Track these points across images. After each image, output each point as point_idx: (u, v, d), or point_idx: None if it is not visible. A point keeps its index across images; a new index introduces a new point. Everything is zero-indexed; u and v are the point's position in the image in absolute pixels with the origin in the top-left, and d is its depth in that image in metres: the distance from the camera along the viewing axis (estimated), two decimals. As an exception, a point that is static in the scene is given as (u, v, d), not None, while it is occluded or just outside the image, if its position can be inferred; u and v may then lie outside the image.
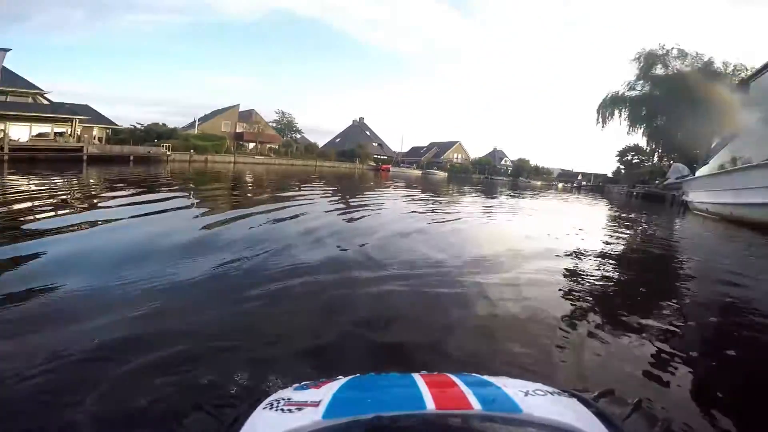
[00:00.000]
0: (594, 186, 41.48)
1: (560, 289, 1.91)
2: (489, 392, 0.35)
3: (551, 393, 0.36)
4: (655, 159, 25.19)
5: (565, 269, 2.37)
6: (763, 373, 1.14)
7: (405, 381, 0.38)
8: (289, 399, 0.37)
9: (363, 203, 4.86)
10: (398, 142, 66.72)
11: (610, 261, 2.80)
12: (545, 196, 11.47)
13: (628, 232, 4.95)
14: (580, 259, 2.60)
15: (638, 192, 21.23)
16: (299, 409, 0.34)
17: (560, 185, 40.98)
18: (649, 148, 25.20)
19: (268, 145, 35.49)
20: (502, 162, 57.11)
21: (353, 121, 52.73)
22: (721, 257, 3.27)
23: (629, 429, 0.36)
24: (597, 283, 2.11)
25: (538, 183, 40.89)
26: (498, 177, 44.78)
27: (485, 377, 0.40)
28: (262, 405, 0.37)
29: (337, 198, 5.26)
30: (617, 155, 32.07)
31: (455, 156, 56.46)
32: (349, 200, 5.11)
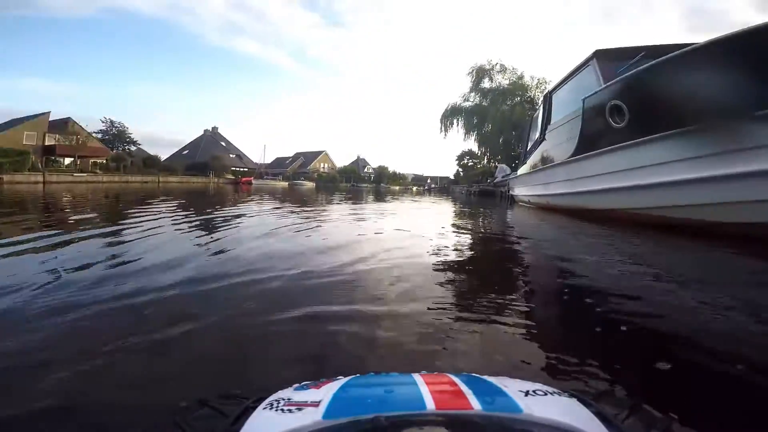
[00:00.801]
0: (441, 187, 47.12)
1: (427, 275, 1.97)
2: (489, 392, 0.35)
3: (551, 393, 0.37)
4: (485, 161, 29.97)
5: (431, 255, 2.50)
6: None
7: (405, 381, 0.38)
8: (289, 399, 0.37)
9: (219, 220, 4.30)
10: (260, 153, 63.31)
11: (466, 248, 3.09)
12: (404, 199, 12.42)
13: (472, 221, 5.62)
14: (441, 249, 2.77)
15: (475, 190, 24.93)
16: (299, 409, 0.34)
17: (414, 188, 45.20)
18: (480, 152, 29.88)
19: (93, 160, 29.35)
20: (365, 170, 59.98)
21: (205, 130, 47.67)
22: (545, 236, 3.97)
23: (629, 429, 0.37)
24: (461, 269, 2.24)
25: (396, 188, 44.23)
26: (362, 184, 46.78)
27: (485, 377, 0.40)
28: (262, 405, 0.37)
29: (187, 217, 4.53)
30: (456, 159, 37.21)
31: (322, 166, 56.72)
32: (202, 218, 4.46)
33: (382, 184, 49.85)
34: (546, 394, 0.36)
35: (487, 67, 26.36)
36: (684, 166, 3.61)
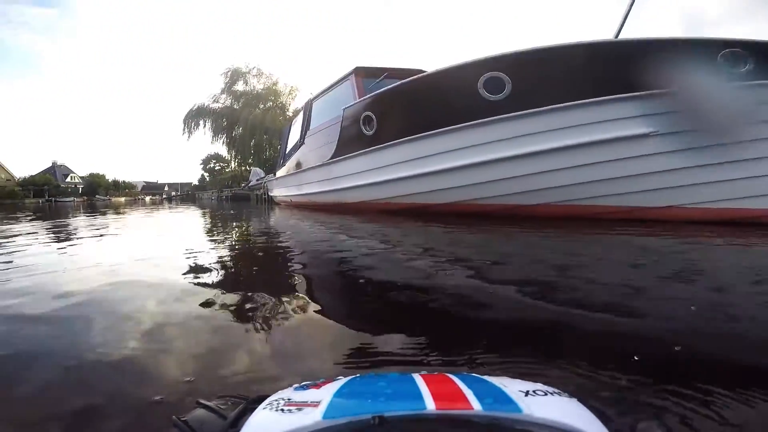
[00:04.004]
0: (185, 195, 42.06)
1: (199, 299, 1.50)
2: (489, 392, 0.35)
3: (552, 393, 0.37)
4: (234, 165, 28.97)
5: (199, 276, 1.91)
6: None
7: (405, 381, 0.39)
8: (289, 399, 0.36)
9: None
10: None
11: (238, 255, 2.80)
12: (138, 212, 10.04)
13: (237, 226, 5.46)
14: (209, 266, 2.16)
15: (227, 195, 23.78)
16: (299, 410, 0.33)
17: (148, 198, 38.41)
18: (230, 155, 28.57)
19: None
20: (68, 179, 45.39)
21: None
22: (304, 228, 4.36)
23: (630, 430, 0.37)
24: (236, 279, 1.98)
25: (122, 199, 36.23)
26: (66, 199, 35.30)
27: (485, 377, 0.40)
28: (262, 405, 0.37)
29: None
30: (201, 163, 34.15)
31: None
32: None
33: (98, 197, 39.41)
34: (546, 394, 0.37)
35: (244, 69, 25.62)
36: (411, 165, 4.88)
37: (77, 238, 3.92)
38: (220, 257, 2.58)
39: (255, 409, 0.37)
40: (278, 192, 11.08)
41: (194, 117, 25.38)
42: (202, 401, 0.44)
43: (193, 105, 25.81)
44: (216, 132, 25.25)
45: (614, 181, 3.70)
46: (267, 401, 0.38)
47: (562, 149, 3.75)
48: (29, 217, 7.81)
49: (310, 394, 0.37)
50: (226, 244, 3.46)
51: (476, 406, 0.32)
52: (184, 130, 25.45)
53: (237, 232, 4.56)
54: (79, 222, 6.36)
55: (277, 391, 0.40)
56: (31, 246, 3.22)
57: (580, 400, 0.37)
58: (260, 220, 6.39)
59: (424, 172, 4.70)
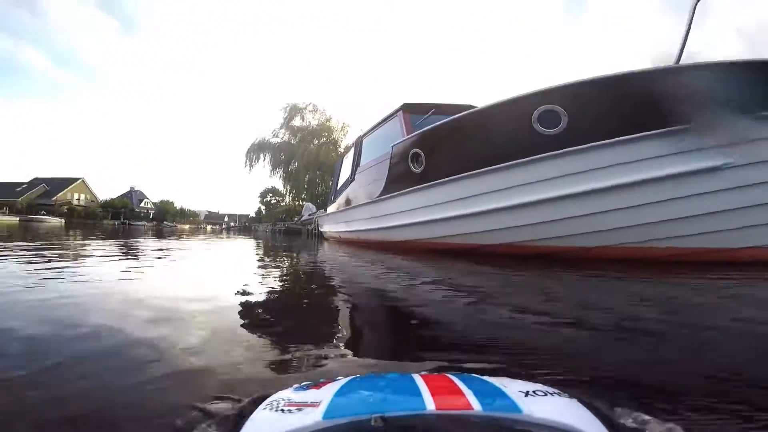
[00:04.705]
0: (242, 226, 44.53)
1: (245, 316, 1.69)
2: (489, 392, 0.35)
3: (552, 393, 0.37)
4: (289, 199, 30.35)
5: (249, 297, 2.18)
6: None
7: (405, 381, 0.38)
8: (289, 399, 0.37)
9: None
10: None
11: (290, 284, 2.95)
12: (201, 240, 10.85)
13: (289, 258, 5.49)
14: (265, 288, 2.48)
15: (280, 229, 24.73)
16: (299, 410, 0.34)
17: (209, 227, 41.03)
18: (285, 189, 30.06)
19: None
20: (142, 204, 50.19)
21: None
22: (353, 265, 4.24)
23: (629, 430, 0.36)
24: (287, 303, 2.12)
25: (186, 227, 39.02)
26: (138, 222, 38.76)
27: (485, 378, 0.40)
28: (262, 405, 0.37)
29: None
30: (259, 197, 36.21)
31: (76, 197, 44.03)
32: None
33: (166, 222, 42.84)
34: (546, 395, 0.36)
35: (301, 106, 27.49)
36: (461, 204, 4.67)
37: (152, 259, 4.13)
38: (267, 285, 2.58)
39: (255, 409, 0.37)
40: (328, 228, 11.26)
41: (256, 151, 27.18)
42: (203, 402, 0.44)
43: (255, 139, 27.80)
44: (274, 166, 26.77)
45: (687, 220, 3.29)
46: (267, 401, 0.38)
47: (626, 186, 3.39)
48: (104, 237, 8.65)
49: (310, 395, 0.37)
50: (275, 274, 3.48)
51: (476, 406, 0.32)
52: (246, 162, 27.34)
53: (285, 262, 4.64)
54: (150, 244, 6.86)
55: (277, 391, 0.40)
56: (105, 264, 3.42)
57: (580, 401, 0.37)
58: (306, 254, 6.46)
59: (475, 212, 4.46)
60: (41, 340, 1.17)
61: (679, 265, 3.28)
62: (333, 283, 2.88)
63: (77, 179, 44.93)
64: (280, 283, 2.84)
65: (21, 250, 4.03)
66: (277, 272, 3.52)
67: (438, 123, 4.90)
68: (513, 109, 3.99)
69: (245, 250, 7.75)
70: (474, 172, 4.39)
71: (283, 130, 27.45)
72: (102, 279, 2.51)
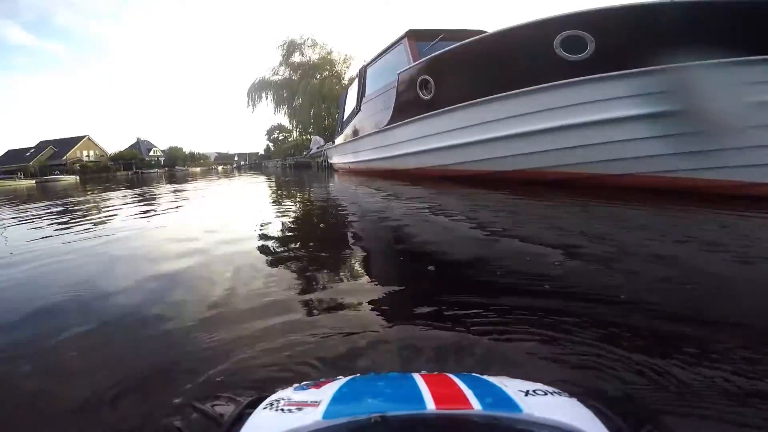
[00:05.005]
0: (252, 164, 44.61)
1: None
2: (489, 392, 0.35)
3: (552, 393, 0.37)
4: (296, 134, 29.81)
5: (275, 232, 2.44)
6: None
7: (405, 381, 0.38)
8: (289, 399, 0.37)
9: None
10: None
11: (308, 216, 3.12)
12: (213, 180, 11.04)
13: (302, 190, 5.66)
14: (286, 222, 2.71)
15: (290, 163, 24.74)
16: (299, 409, 0.34)
17: (221, 168, 41.28)
18: (291, 125, 29.37)
19: None
20: (151, 153, 50.24)
21: None
22: (363, 196, 4.34)
23: (630, 430, 0.37)
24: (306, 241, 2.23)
25: (198, 170, 39.30)
26: (150, 170, 39.22)
27: (485, 377, 0.40)
28: (262, 405, 0.37)
29: None
30: (266, 134, 35.69)
31: (85, 154, 44.31)
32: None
33: (177, 168, 43.16)
34: (546, 394, 0.37)
35: (299, 41, 25.74)
36: (474, 130, 4.57)
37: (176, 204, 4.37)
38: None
39: (255, 408, 0.37)
40: (336, 159, 11.24)
41: (257, 90, 26.14)
42: (197, 404, 0.44)
43: (255, 78, 26.55)
44: (278, 103, 25.87)
45: (722, 152, 3.12)
46: (267, 401, 0.38)
47: (654, 115, 3.18)
48: (128, 187, 9.00)
49: (310, 394, 0.37)
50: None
51: (476, 406, 0.32)
52: (248, 103, 26.46)
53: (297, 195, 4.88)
54: (168, 188, 7.12)
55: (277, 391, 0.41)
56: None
57: (580, 400, 0.37)
58: (317, 186, 6.62)
59: (490, 138, 4.37)
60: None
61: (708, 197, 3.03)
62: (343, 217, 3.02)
63: (82, 137, 44.68)
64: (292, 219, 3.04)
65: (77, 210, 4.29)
66: (291, 205, 3.69)
67: (450, 47, 4.64)
68: (533, 33, 3.70)
69: (259, 186, 8.00)
70: (488, 97, 4.22)
71: (282, 68, 26.12)
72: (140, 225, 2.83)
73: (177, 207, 4.51)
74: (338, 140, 10.44)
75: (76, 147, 43.48)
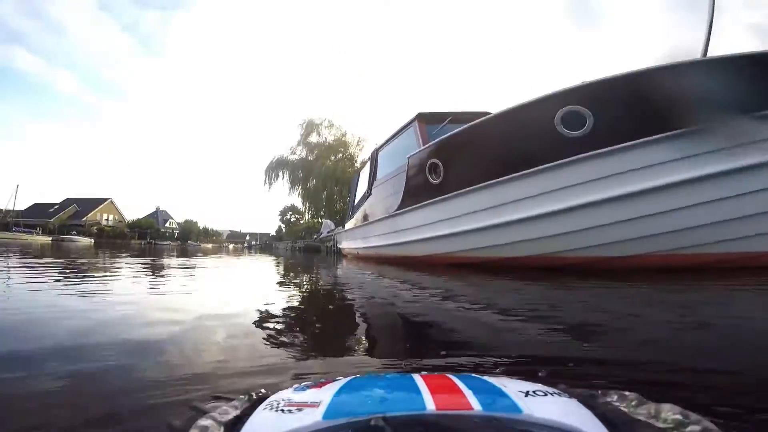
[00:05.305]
0: (263, 245, 45.11)
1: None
2: (489, 393, 0.35)
3: (552, 393, 0.37)
4: (308, 217, 30.43)
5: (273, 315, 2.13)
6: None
7: (405, 381, 0.38)
8: (289, 399, 0.37)
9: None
10: (10, 196, 44.45)
11: (309, 301, 2.87)
12: (223, 259, 10.96)
13: (308, 275, 5.43)
14: (287, 305, 2.41)
15: (300, 246, 24.89)
16: (299, 410, 0.34)
17: (231, 246, 41.63)
18: (304, 207, 30.08)
19: None
20: (167, 224, 51.66)
21: None
22: (366, 281, 4.12)
23: (630, 430, 0.36)
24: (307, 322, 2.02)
25: (209, 246, 39.71)
26: (163, 242, 39.80)
27: (485, 378, 0.40)
28: (262, 405, 0.37)
29: None
30: (279, 215, 36.71)
31: (104, 217, 45.80)
32: None
33: (190, 242, 43.78)
34: (546, 395, 0.36)
35: (317, 121, 27.35)
36: (482, 215, 4.49)
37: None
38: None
39: (255, 409, 0.38)
40: (345, 244, 11.14)
41: (275, 168, 27.00)
42: (196, 405, 0.43)
43: (273, 157, 27.58)
44: (293, 183, 26.53)
45: (727, 223, 3.00)
46: (267, 401, 0.39)
47: (660, 189, 3.12)
48: (138, 255, 8.90)
49: (310, 395, 0.37)
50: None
51: (476, 406, 0.32)
52: (265, 181, 27.25)
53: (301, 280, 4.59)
54: (175, 261, 6.96)
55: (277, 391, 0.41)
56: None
57: (581, 401, 0.37)
58: (329, 270, 6.39)
59: (498, 223, 4.24)
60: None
61: (729, 270, 3.00)
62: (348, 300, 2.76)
63: (106, 199, 46.86)
64: (297, 302, 2.77)
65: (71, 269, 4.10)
66: (296, 291, 3.47)
67: (455, 131, 4.76)
68: (534, 111, 3.79)
69: (266, 267, 7.81)
70: (495, 180, 4.18)
71: (300, 147, 27.31)
72: (139, 294, 2.58)
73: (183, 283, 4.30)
74: (348, 224, 10.49)
75: (97, 209, 45.18)
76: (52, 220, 40.91)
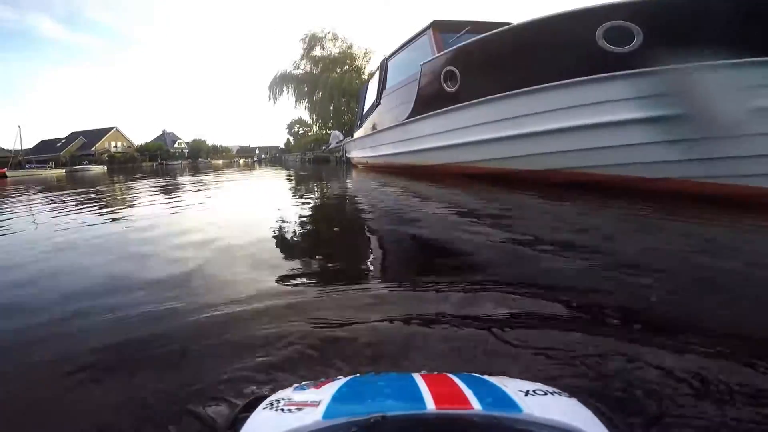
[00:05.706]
0: (272, 157, 45.11)
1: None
2: (489, 392, 0.35)
3: (552, 393, 0.37)
4: (316, 129, 29.79)
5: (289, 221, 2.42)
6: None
7: (405, 381, 0.38)
8: (289, 399, 0.37)
9: None
10: (14, 137, 44.40)
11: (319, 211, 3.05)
12: (234, 173, 11.15)
13: (319, 186, 5.56)
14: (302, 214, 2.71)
15: (309, 158, 24.84)
16: (299, 409, 0.34)
17: (242, 161, 41.82)
18: (311, 119, 29.34)
19: None
20: (176, 145, 51.39)
21: None
22: (379, 192, 4.24)
23: (630, 430, 0.37)
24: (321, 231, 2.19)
25: (220, 162, 39.94)
26: (174, 162, 40.10)
27: (485, 377, 0.40)
28: (262, 405, 0.37)
29: None
30: (286, 128, 35.92)
31: (113, 145, 45.65)
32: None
33: (200, 159, 44.03)
34: (546, 394, 0.36)
35: (320, 35, 25.71)
36: (502, 125, 4.29)
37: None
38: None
39: (255, 409, 0.37)
40: (355, 154, 11.09)
41: (278, 84, 26.10)
42: (202, 403, 0.43)
43: (276, 72, 26.52)
44: (298, 97, 25.74)
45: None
46: (267, 401, 0.38)
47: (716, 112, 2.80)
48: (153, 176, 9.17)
49: (310, 394, 0.37)
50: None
51: (476, 406, 0.32)
52: (269, 96, 26.51)
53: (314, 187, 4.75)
54: (190, 178, 7.18)
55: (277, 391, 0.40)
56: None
57: (581, 400, 0.37)
58: (338, 178, 6.49)
59: (519, 133, 4.07)
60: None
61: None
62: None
63: (111, 128, 46.09)
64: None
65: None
66: (312, 206, 3.60)
67: (479, 37, 4.34)
68: (572, 23, 3.40)
69: (277, 180, 7.99)
70: (521, 89, 3.91)
71: (304, 61, 25.89)
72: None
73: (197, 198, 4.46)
74: (357, 134, 10.28)
75: (105, 138, 44.89)
76: (61, 153, 41.01)
